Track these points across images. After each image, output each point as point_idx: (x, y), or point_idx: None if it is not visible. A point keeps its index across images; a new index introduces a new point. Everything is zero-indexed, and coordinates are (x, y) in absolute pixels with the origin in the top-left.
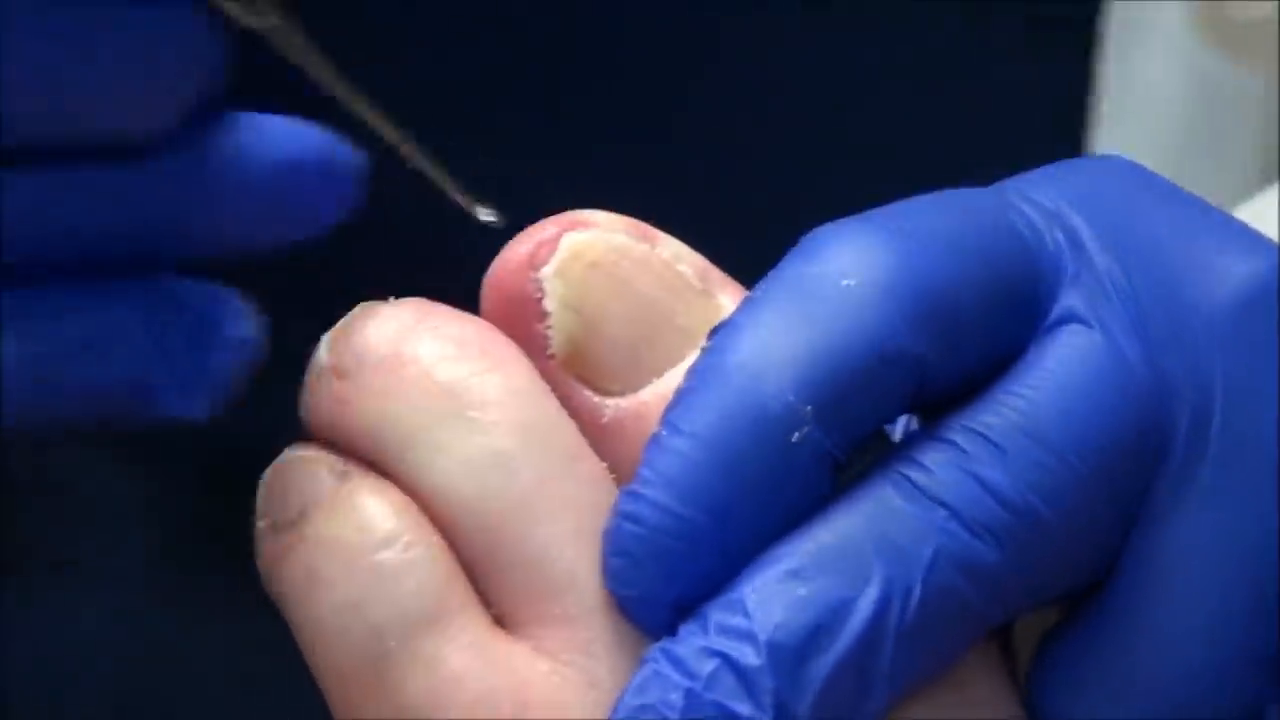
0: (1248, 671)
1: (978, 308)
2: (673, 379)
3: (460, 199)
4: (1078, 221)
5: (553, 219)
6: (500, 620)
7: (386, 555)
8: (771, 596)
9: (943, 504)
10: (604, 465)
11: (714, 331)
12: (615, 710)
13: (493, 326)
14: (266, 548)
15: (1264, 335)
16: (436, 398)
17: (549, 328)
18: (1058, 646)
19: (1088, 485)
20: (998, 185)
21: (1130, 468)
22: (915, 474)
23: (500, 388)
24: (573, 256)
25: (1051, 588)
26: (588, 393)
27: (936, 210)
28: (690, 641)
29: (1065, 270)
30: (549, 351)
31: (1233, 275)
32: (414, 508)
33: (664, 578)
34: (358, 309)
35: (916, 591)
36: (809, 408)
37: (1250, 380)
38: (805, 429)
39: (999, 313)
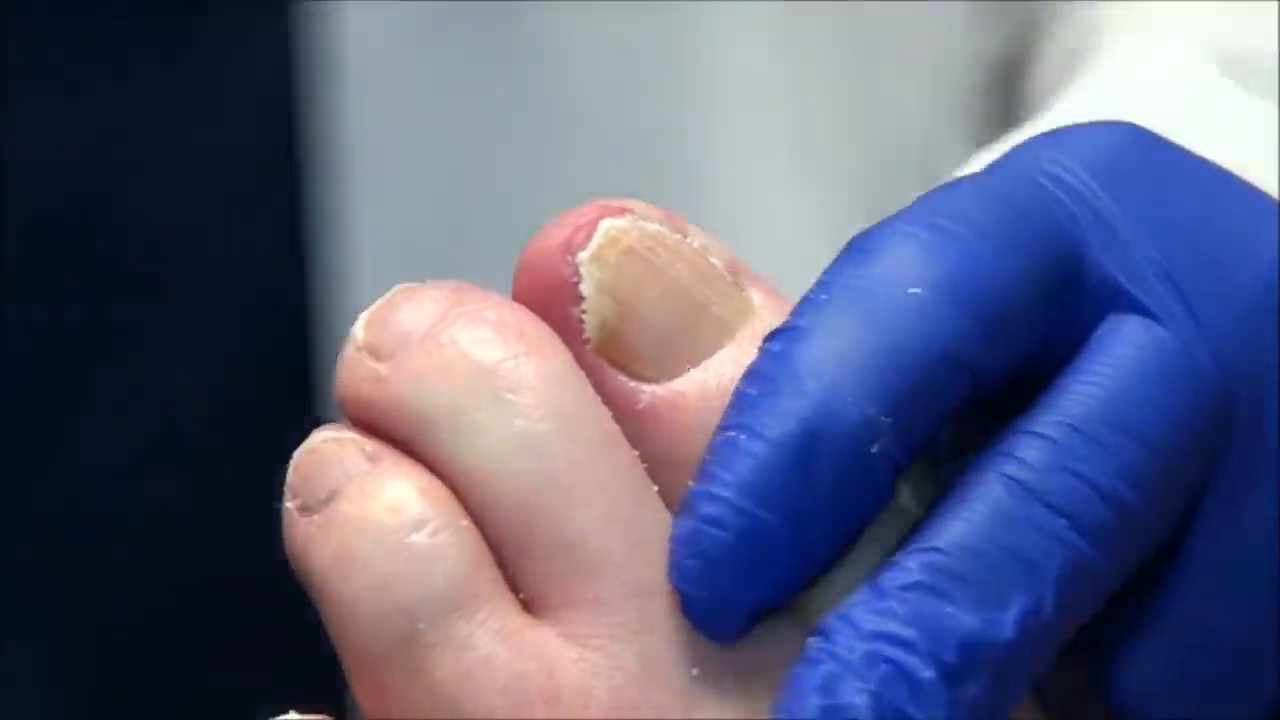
0: None
1: (1028, 305)
2: (711, 370)
3: None
4: (1109, 202)
5: (589, 205)
6: (528, 604)
7: (417, 538)
8: (923, 610)
9: (1060, 511)
10: (635, 453)
11: (774, 335)
12: (796, 707)
13: (529, 310)
14: (297, 529)
15: None
16: (472, 380)
17: (584, 312)
18: (1116, 633)
19: (1169, 474)
20: (1021, 162)
21: (1201, 453)
22: (1024, 475)
23: (536, 372)
24: (609, 242)
25: (1126, 574)
26: (622, 378)
27: (979, 204)
28: (850, 644)
29: (1108, 256)
30: (584, 336)
31: (1268, 253)
32: (444, 490)
33: (742, 582)
34: (395, 289)
35: (1049, 608)
36: (887, 420)
37: None
38: (883, 440)
39: (1047, 306)
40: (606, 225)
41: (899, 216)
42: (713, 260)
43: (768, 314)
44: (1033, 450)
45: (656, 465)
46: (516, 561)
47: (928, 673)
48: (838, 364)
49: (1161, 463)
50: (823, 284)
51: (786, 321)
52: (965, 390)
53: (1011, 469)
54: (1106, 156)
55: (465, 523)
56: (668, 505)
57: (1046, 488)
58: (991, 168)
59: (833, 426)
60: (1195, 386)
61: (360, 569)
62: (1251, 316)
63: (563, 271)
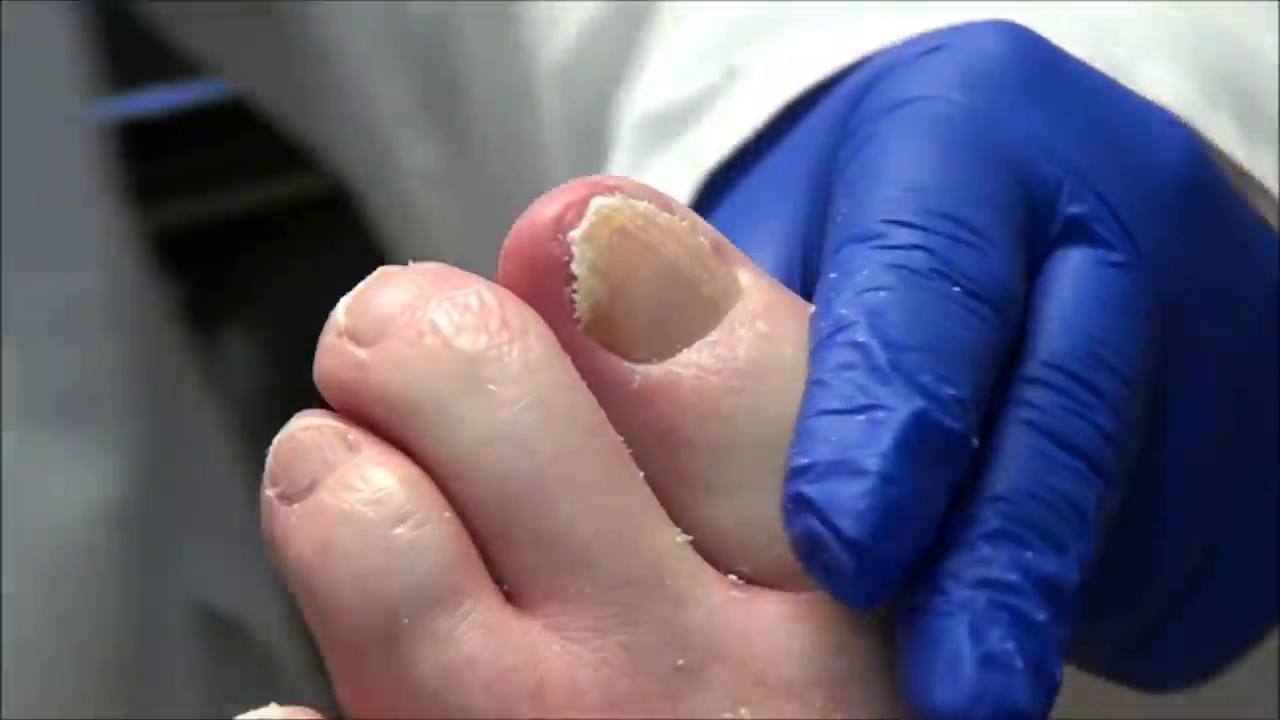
0: None
1: (1020, 276)
2: (704, 351)
3: None
4: (1034, 119)
5: (578, 182)
6: (513, 596)
7: (400, 531)
8: (1015, 557)
9: (1082, 454)
10: (620, 439)
11: (840, 329)
12: (949, 660)
13: (513, 295)
14: (277, 518)
15: (1202, 215)
16: (454, 369)
17: (575, 292)
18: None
19: (1137, 400)
20: (966, 106)
21: (1151, 371)
22: (1045, 421)
23: (520, 360)
24: (601, 221)
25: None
26: (613, 358)
27: (957, 173)
28: (968, 593)
29: (1057, 186)
30: (574, 316)
31: (1168, 153)
32: (427, 481)
33: (914, 540)
34: (376, 273)
35: (1091, 547)
36: (972, 415)
37: (1207, 258)
38: (967, 420)
39: (1028, 265)
40: (598, 204)
41: (893, 204)
42: (700, 239)
43: (756, 293)
44: (1043, 397)
45: (647, 446)
46: (500, 554)
47: (1041, 615)
48: (931, 358)
49: (1132, 391)
50: (865, 277)
51: (845, 315)
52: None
53: (1033, 416)
54: (1012, 67)
55: (449, 514)
56: (656, 489)
57: (1067, 432)
58: (920, 109)
59: (944, 413)
60: (1143, 310)
61: (342, 563)
62: (1168, 221)
63: (554, 250)
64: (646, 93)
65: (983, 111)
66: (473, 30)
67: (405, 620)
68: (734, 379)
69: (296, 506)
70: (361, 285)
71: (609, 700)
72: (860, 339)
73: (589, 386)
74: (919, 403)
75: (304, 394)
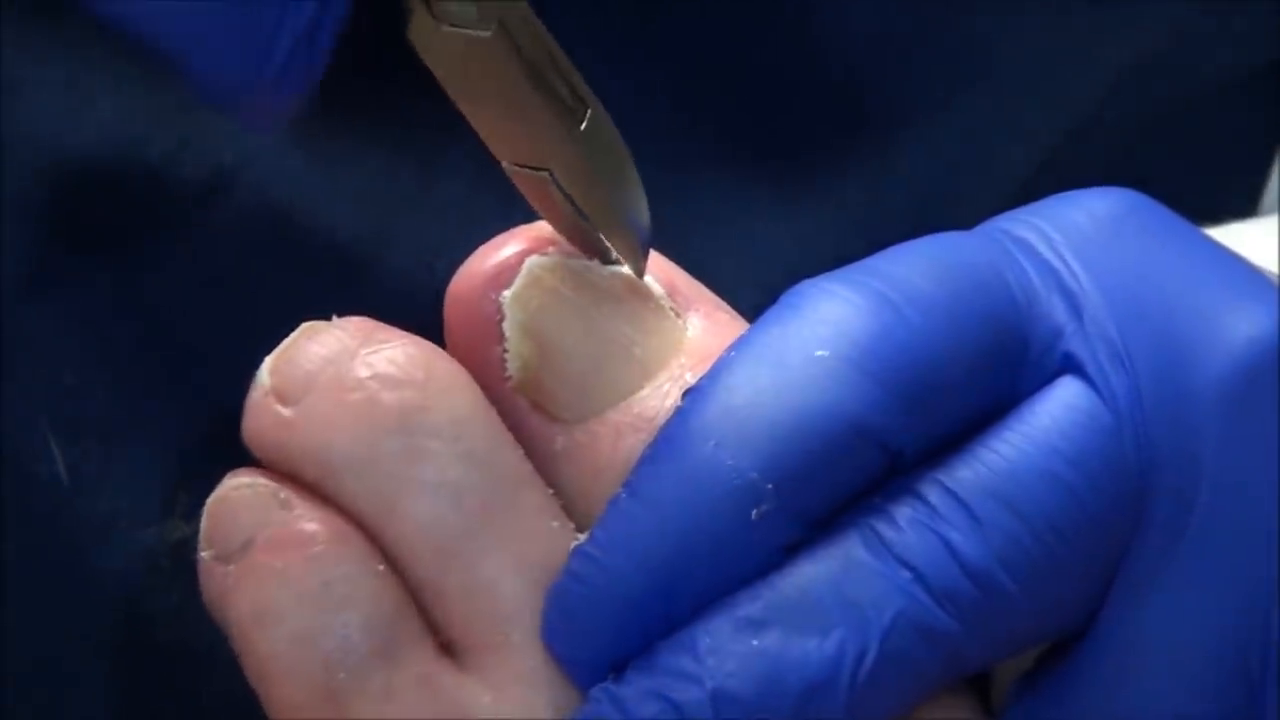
0: None
1: (962, 378)
2: (627, 411)
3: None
4: (1080, 277)
5: (519, 232)
6: (448, 647)
7: (334, 588)
8: (725, 643)
9: (909, 566)
10: (550, 492)
11: (687, 392)
12: None
13: (439, 349)
14: (214, 578)
15: (1260, 407)
16: (381, 426)
17: (506, 351)
18: (1030, 697)
19: (1058, 561)
20: (995, 229)
21: (1104, 541)
22: (885, 529)
23: (446, 415)
24: (533, 281)
25: (1011, 650)
26: (540, 419)
27: (926, 269)
28: (636, 683)
29: (1063, 332)
30: (505, 374)
31: (1234, 339)
32: (360, 537)
33: (604, 642)
34: (300, 329)
35: (872, 653)
36: (771, 486)
37: (1242, 458)
38: (765, 506)
39: (984, 379)
40: (531, 264)
41: (834, 274)
42: (647, 289)
43: (703, 341)
44: (904, 508)
45: (573, 503)
46: (433, 606)
47: (702, 707)
48: (728, 427)
49: (1053, 550)
50: (742, 340)
51: (699, 379)
52: (874, 460)
53: (876, 520)
54: (1092, 226)
55: (382, 568)
56: None
57: (902, 542)
58: (965, 233)
59: (713, 491)
60: (1110, 475)
61: (279, 622)
62: (1195, 411)
63: (486, 309)
64: None
65: (1025, 246)
66: None
67: (342, 676)
68: (651, 437)
69: (232, 568)
70: (285, 342)
71: None
72: (684, 405)
73: (520, 440)
74: (674, 481)
75: None
